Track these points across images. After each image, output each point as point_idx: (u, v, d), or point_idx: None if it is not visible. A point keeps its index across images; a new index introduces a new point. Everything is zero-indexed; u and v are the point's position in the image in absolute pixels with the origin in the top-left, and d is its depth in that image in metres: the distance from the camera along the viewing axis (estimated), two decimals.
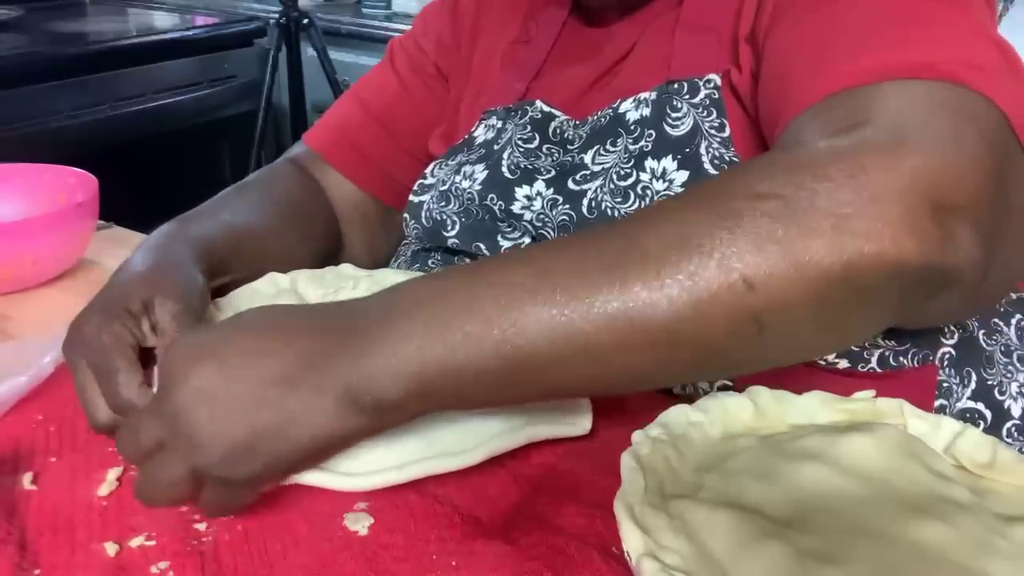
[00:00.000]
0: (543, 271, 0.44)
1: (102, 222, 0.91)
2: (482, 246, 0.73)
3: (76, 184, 0.87)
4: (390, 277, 0.69)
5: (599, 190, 0.67)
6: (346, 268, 0.73)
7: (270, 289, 0.69)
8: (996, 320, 0.67)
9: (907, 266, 0.41)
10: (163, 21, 2.56)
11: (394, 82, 0.88)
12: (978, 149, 0.45)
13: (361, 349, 0.44)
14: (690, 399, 0.54)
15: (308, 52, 2.15)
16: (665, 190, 0.65)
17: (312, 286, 0.70)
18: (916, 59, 0.49)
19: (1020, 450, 0.64)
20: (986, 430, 0.62)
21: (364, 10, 2.44)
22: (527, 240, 0.72)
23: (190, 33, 2.35)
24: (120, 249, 0.85)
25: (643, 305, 0.42)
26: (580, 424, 0.55)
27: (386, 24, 2.30)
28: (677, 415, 0.52)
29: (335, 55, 2.16)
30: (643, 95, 0.68)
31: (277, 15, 2.11)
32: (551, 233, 0.70)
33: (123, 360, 0.54)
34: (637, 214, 0.47)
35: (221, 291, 0.68)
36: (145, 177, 1.89)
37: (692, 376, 0.50)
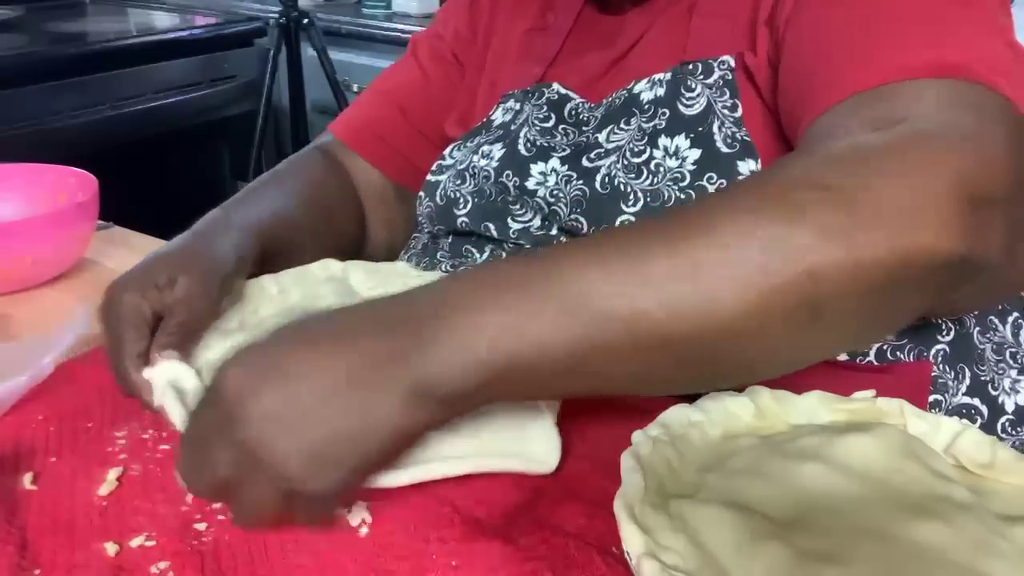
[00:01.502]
0: (611, 261, 0.44)
1: (102, 222, 0.91)
2: (491, 226, 0.74)
3: (76, 184, 0.87)
4: None
5: (612, 166, 0.68)
6: (399, 266, 0.74)
7: (321, 273, 0.70)
8: (992, 318, 0.68)
9: (955, 257, 0.43)
10: (163, 21, 2.55)
11: (416, 72, 0.90)
12: (1007, 147, 0.47)
13: (425, 344, 0.44)
14: (691, 399, 0.54)
15: (308, 52, 2.15)
16: (678, 167, 0.66)
17: (366, 279, 0.71)
18: (952, 59, 0.52)
19: (1014, 445, 0.65)
20: (982, 426, 0.63)
21: (364, 10, 2.44)
22: (537, 221, 0.73)
23: (190, 33, 2.35)
24: (120, 249, 0.86)
25: (714, 296, 0.42)
26: (547, 463, 0.52)
27: (386, 24, 2.30)
28: (677, 415, 0.52)
29: (335, 55, 2.15)
30: (657, 76, 0.70)
31: (277, 15, 2.11)
32: (563, 209, 0.71)
33: (131, 331, 0.57)
34: (705, 200, 0.49)
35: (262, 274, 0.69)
36: (145, 177, 1.89)
37: (759, 369, 0.50)
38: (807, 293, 0.42)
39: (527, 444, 0.52)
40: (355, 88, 2.20)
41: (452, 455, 0.50)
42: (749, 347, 0.45)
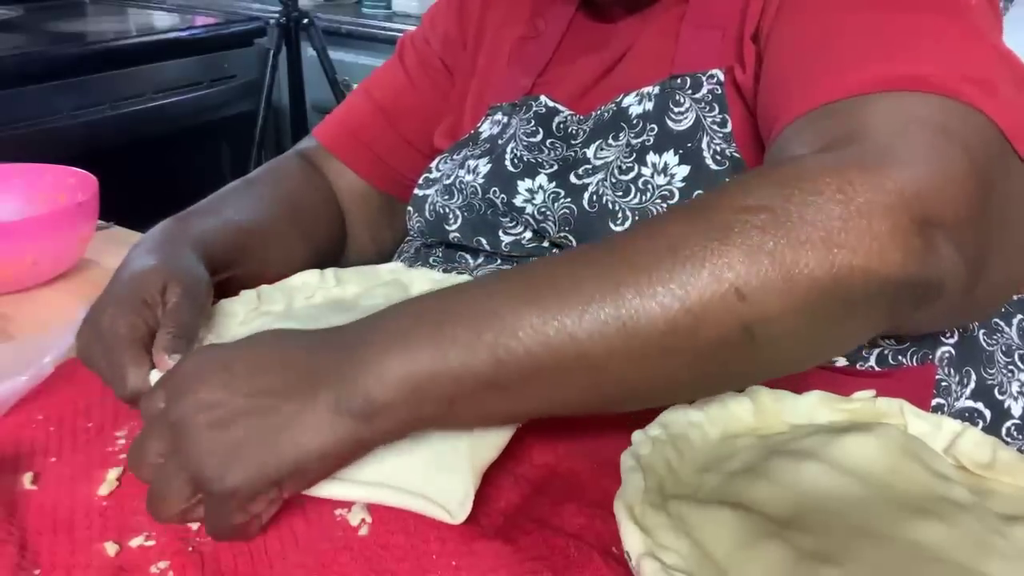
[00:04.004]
0: (536, 282, 0.45)
1: (102, 222, 0.91)
2: (483, 240, 0.74)
3: (76, 184, 0.87)
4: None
5: (600, 184, 0.68)
6: (463, 279, 0.73)
7: (387, 275, 0.71)
8: (997, 320, 0.67)
9: (893, 279, 0.43)
10: (163, 21, 2.55)
11: (401, 76, 0.90)
12: (962, 165, 0.46)
13: (351, 360, 0.45)
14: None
15: (308, 52, 2.15)
16: (666, 184, 0.65)
17: (430, 289, 0.71)
18: (907, 72, 0.50)
19: (1020, 449, 0.64)
20: (985, 429, 0.62)
21: (364, 10, 2.44)
22: (528, 234, 0.73)
23: (190, 33, 2.35)
24: (120, 249, 0.85)
25: (635, 312, 0.43)
26: (452, 514, 0.47)
27: (386, 24, 2.30)
28: (677, 415, 0.52)
29: (335, 55, 2.16)
30: (646, 89, 0.69)
31: (277, 15, 2.11)
32: (552, 226, 0.70)
33: (131, 352, 0.56)
34: (629, 229, 0.49)
35: (225, 286, 0.68)
36: (145, 177, 1.88)
37: (687, 389, 0.50)
38: (737, 312, 0.42)
39: (435, 487, 0.48)
40: (355, 88, 2.20)
41: (353, 478, 0.48)
42: (681, 367, 0.45)
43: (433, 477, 0.48)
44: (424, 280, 0.71)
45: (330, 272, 0.70)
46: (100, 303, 0.59)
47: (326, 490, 0.48)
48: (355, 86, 2.21)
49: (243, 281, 0.70)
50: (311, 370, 0.46)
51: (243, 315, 0.66)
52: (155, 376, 0.55)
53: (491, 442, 0.51)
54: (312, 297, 0.69)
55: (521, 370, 0.44)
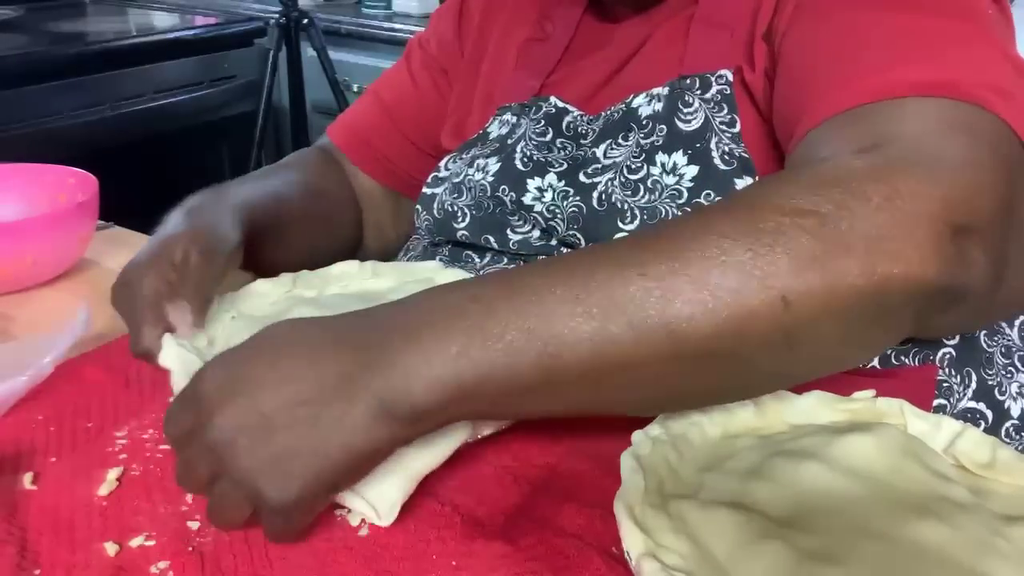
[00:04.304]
0: (583, 282, 0.44)
1: (102, 222, 0.91)
2: (491, 239, 0.74)
3: (76, 184, 0.87)
4: None
5: (609, 183, 0.68)
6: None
7: (422, 274, 0.71)
8: (998, 322, 0.67)
9: (929, 286, 0.43)
10: (163, 21, 2.55)
11: (407, 78, 0.91)
12: (995, 173, 0.47)
13: (393, 360, 0.44)
14: None
15: (308, 52, 2.15)
16: (675, 184, 0.65)
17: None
18: (936, 77, 0.50)
19: (1019, 448, 0.64)
20: (987, 430, 0.62)
21: (364, 10, 2.44)
22: (537, 233, 0.73)
23: (190, 33, 2.35)
24: (120, 249, 0.85)
25: (683, 319, 0.42)
26: (379, 517, 0.48)
27: (386, 24, 2.30)
28: (677, 415, 0.52)
29: (335, 55, 2.15)
30: (655, 90, 0.69)
31: (277, 15, 2.11)
32: (561, 225, 0.70)
33: (150, 312, 0.58)
34: (678, 223, 0.47)
35: (255, 255, 0.70)
36: (145, 177, 1.88)
37: (726, 393, 0.50)
38: (780, 318, 0.42)
39: (372, 488, 0.48)
40: (355, 88, 2.20)
41: None
42: (720, 371, 0.45)
43: (371, 478, 0.48)
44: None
45: (369, 264, 0.72)
46: (135, 259, 0.62)
47: None
48: (355, 86, 2.21)
49: (262, 260, 0.71)
50: (344, 372, 0.44)
51: (275, 296, 0.67)
52: (167, 342, 0.57)
53: (436, 451, 0.50)
54: (347, 286, 0.70)
55: (567, 375, 0.44)
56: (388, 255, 0.89)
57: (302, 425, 0.44)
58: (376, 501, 0.48)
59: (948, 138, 0.47)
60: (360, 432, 0.44)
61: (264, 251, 0.71)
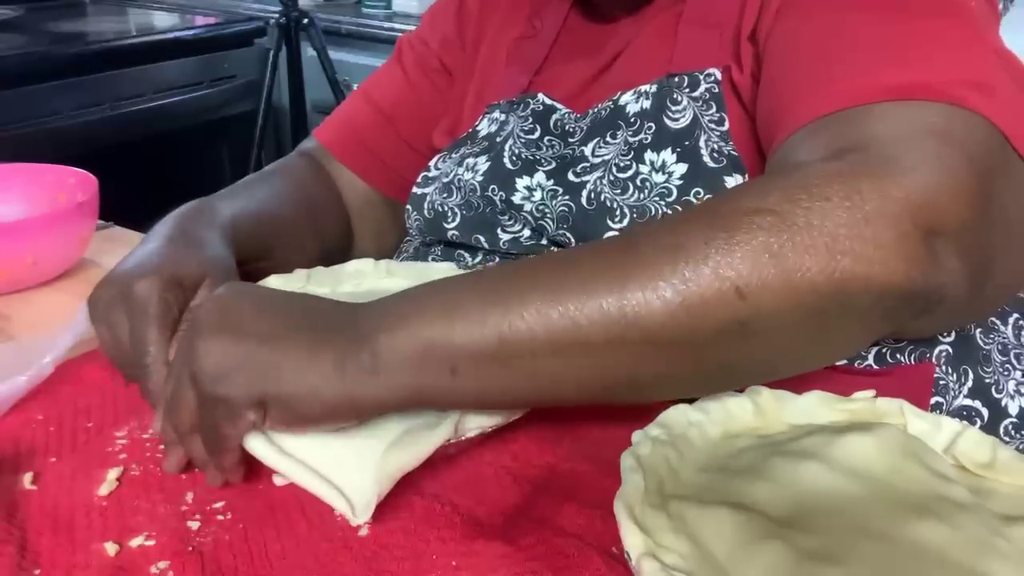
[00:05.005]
0: (547, 270, 0.47)
1: (102, 222, 0.91)
2: (481, 238, 0.74)
3: (76, 184, 0.87)
4: None
5: (598, 182, 0.68)
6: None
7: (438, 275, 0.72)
8: (993, 319, 0.67)
9: (894, 288, 0.44)
10: (163, 21, 2.56)
11: (400, 78, 0.90)
12: (965, 174, 0.47)
13: (367, 317, 0.48)
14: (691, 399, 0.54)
15: (308, 52, 2.15)
16: (664, 182, 0.65)
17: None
18: (910, 80, 0.51)
19: (1017, 448, 0.64)
20: (983, 428, 0.62)
21: (364, 10, 2.44)
22: (527, 232, 0.73)
23: (190, 33, 2.35)
24: (120, 249, 0.85)
25: (637, 304, 0.44)
26: (354, 516, 0.47)
27: (386, 24, 2.30)
28: (677, 415, 0.52)
29: (335, 55, 2.16)
30: (643, 88, 0.69)
31: (277, 15, 2.11)
32: (550, 224, 0.70)
33: (158, 330, 0.56)
34: (639, 227, 0.50)
35: (242, 270, 0.69)
36: (145, 177, 1.88)
37: (684, 383, 0.50)
38: (735, 308, 0.43)
39: (351, 484, 0.48)
40: (355, 88, 2.20)
41: (284, 447, 0.49)
42: (672, 358, 0.46)
43: (348, 471, 0.49)
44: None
45: (383, 263, 0.72)
46: (132, 265, 0.59)
47: (261, 449, 0.49)
48: (355, 86, 2.21)
49: (255, 275, 0.71)
50: (328, 320, 0.48)
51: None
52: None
53: (416, 449, 0.50)
54: (360, 284, 0.71)
55: (522, 348, 0.45)
56: (389, 257, 0.89)
57: (271, 344, 0.47)
58: (353, 495, 0.48)
59: (916, 141, 0.48)
60: (313, 371, 0.46)
61: (252, 267, 0.71)
